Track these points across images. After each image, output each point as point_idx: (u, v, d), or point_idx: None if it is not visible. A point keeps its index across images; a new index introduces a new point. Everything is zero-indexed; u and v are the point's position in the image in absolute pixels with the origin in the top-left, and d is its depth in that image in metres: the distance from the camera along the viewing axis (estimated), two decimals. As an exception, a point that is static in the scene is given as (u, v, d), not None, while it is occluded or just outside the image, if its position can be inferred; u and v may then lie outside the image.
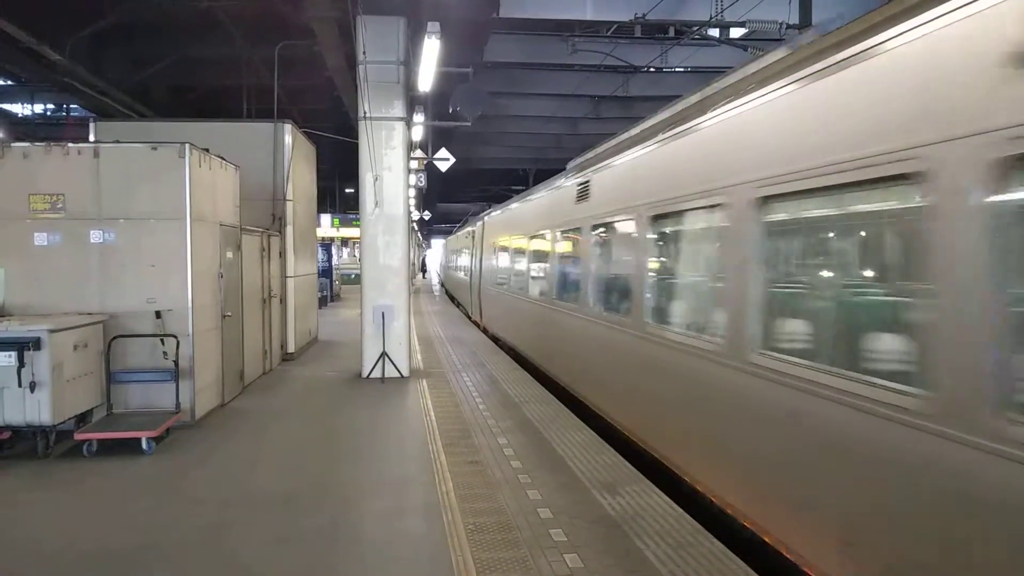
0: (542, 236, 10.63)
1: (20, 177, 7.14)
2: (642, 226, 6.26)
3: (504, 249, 14.71)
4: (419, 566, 4.18)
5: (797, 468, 3.87)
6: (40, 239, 7.14)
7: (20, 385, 6.06)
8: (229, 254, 8.57)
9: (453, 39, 11.43)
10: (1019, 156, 2.59)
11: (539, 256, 11.01)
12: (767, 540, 4.20)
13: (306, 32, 11.06)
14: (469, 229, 22.82)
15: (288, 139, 12.02)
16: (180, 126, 11.43)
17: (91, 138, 11.15)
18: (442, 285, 39.67)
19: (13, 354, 6.02)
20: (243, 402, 8.73)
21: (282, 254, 11.87)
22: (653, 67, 15.70)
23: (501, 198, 25.30)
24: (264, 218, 11.45)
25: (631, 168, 6.82)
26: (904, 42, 3.20)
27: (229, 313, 8.48)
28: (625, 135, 7.49)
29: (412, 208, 22.56)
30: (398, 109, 10.08)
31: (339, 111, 16.83)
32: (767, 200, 4.25)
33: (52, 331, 6.19)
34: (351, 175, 12.92)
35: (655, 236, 6.21)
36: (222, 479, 5.80)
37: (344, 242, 36.74)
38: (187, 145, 7.33)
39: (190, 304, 7.35)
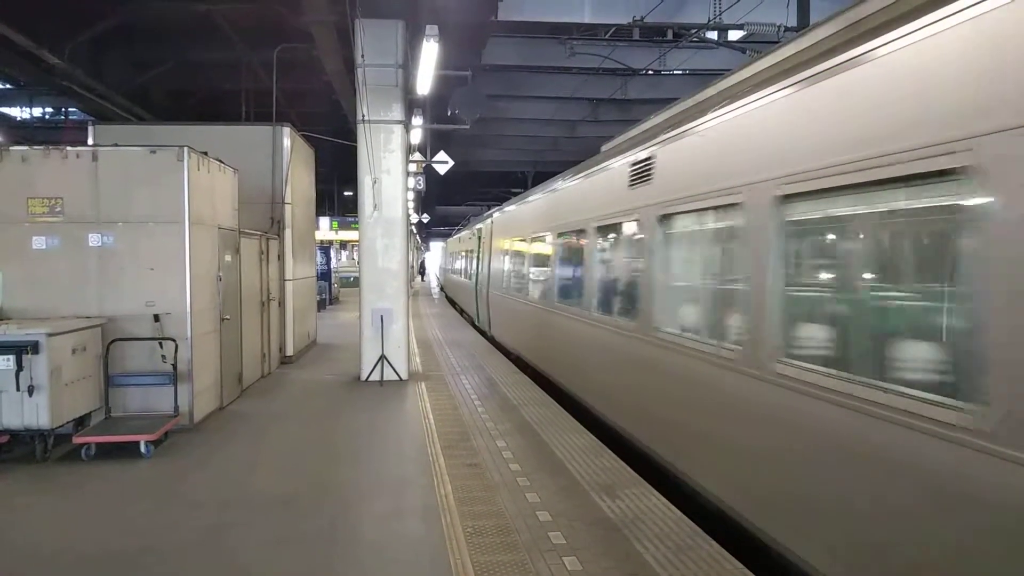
0: (576, 233, 8.80)
1: (18, 181, 7.13)
2: (761, 213, 4.27)
3: (518, 250, 12.89)
4: (418, 568, 4.18)
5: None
6: (38, 243, 7.13)
7: (18, 389, 6.05)
8: (228, 257, 8.57)
9: (451, 42, 11.45)
10: None
11: (571, 259, 9.18)
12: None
13: (305, 36, 11.06)
14: (475, 228, 20.65)
15: (287, 142, 12.02)
16: (179, 129, 11.44)
17: (90, 141, 11.15)
18: (441, 289, 39.23)
19: (11, 358, 6.01)
20: (242, 405, 8.72)
21: (280, 257, 11.86)
22: (652, 70, 15.76)
23: (500, 200, 25.17)
24: (263, 221, 11.45)
25: (742, 129, 4.67)
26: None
27: (227, 316, 8.47)
28: (705, 93, 5.93)
29: (411, 211, 22.45)
30: (397, 112, 10.08)
31: (338, 114, 16.84)
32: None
33: (50, 335, 6.18)
34: (350, 178, 12.94)
35: (790, 224, 4.11)
36: (221, 482, 5.79)
37: (343, 245, 36.76)
38: (185, 148, 7.34)
39: (189, 307, 7.34)
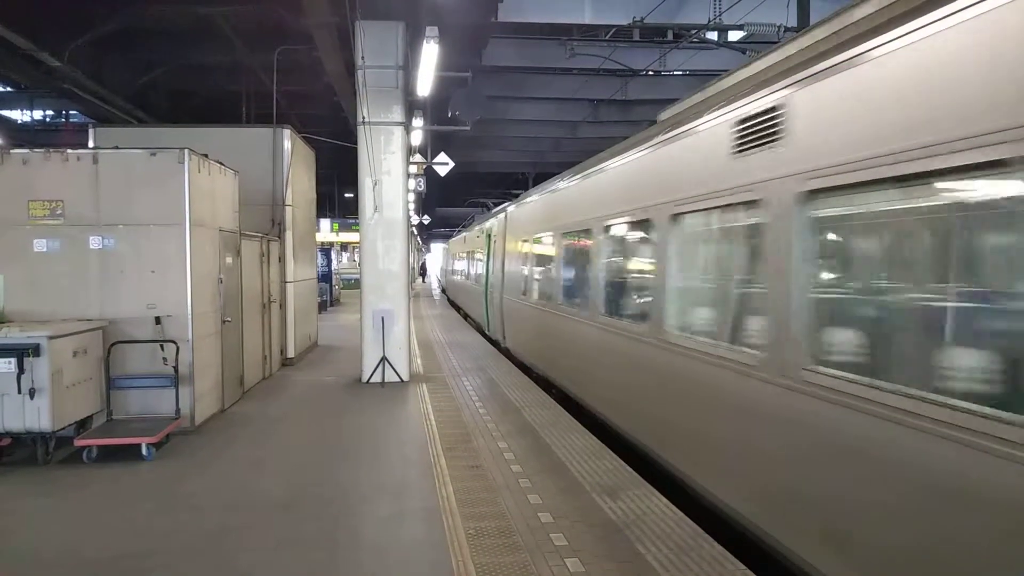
0: (636, 225, 6.73)
1: (19, 183, 7.13)
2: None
3: (544, 250, 10.68)
4: (420, 570, 4.17)
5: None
6: (39, 245, 7.13)
7: (20, 392, 6.05)
8: (229, 259, 8.57)
9: (452, 43, 11.46)
10: None
11: (629, 261, 7.18)
12: None
13: (305, 37, 11.08)
14: (485, 225, 18.34)
15: (287, 144, 12.03)
16: (179, 132, 11.45)
17: (90, 144, 11.16)
18: (443, 291, 38.99)
19: (13, 361, 6.01)
20: (243, 407, 8.72)
21: (281, 259, 11.87)
22: (652, 70, 15.77)
23: (501, 200, 25.06)
24: (263, 223, 11.45)
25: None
26: None
27: (229, 318, 8.47)
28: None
29: (411, 212, 22.41)
30: (397, 114, 10.09)
31: (338, 116, 16.86)
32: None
33: (51, 337, 6.18)
34: (350, 180, 12.92)
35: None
36: (223, 484, 5.79)
37: (344, 247, 36.77)
38: (186, 151, 7.34)
39: (190, 310, 7.34)
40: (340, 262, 34.68)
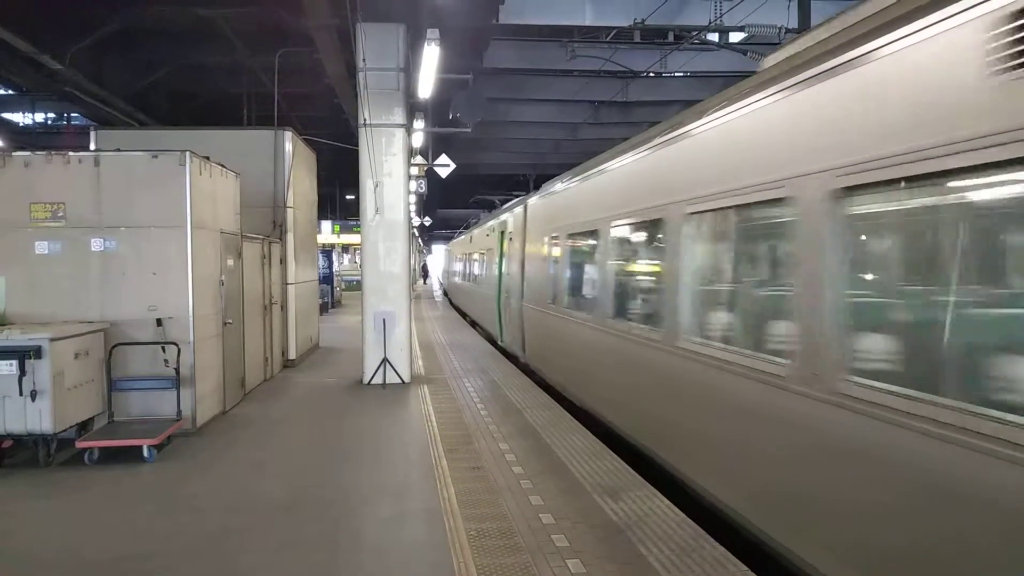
0: (763, 206, 4.41)
1: (21, 186, 7.15)
2: None
3: (584, 247, 8.64)
4: (421, 572, 4.17)
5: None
6: (41, 247, 7.15)
7: (21, 394, 6.05)
8: (230, 261, 8.58)
9: (452, 46, 11.47)
10: None
11: (758, 260, 4.86)
12: None
13: (306, 40, 11.09)
14: (500, 220, 15.77)
15: (288, 146, 12.04)
16: (181, 134, 11.45)
17: (92, 146, 11.18)
18: (445, 294, 38.76)
19: (14, 363, 6.02)
20: (244, 409, 8.72)
21: (283, 261, 11.87)
22: (653, 72, 15.76)
23: (503, 202, 25.02)
24: (265, 225, 11.46)
25: None
26: None
27: (230, 320, 8.48)
28: None
29: (412, 214, 22.41)
30: (398, 116, 10.10)
31: (339, 118, 16.88)
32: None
33: (53, 339, 6.19)
34: (351, 182, 12.90)
35: None
36: (224, 486, 5.79)
37: (345, 248, 36.78)
38: (187, 153, 7.35)
39: (191, 312, 7.35)
40: (341, 264, 34.69)
